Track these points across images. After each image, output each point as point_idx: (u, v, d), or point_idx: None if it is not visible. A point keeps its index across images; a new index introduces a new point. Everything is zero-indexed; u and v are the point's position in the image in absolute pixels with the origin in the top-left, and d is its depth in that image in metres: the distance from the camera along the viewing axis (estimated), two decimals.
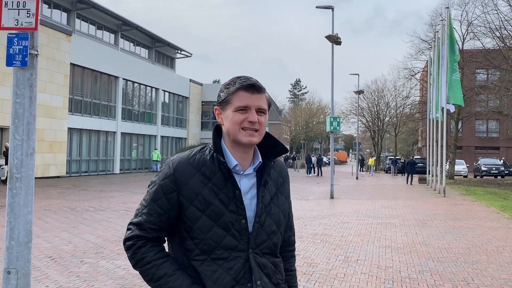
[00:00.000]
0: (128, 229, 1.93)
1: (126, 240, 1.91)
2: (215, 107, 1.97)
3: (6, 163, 20.51)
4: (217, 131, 1.98)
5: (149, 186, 1.95)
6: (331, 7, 20.26)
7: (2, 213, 12.11)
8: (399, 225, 12.00)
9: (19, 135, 3.89)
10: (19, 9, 3.78)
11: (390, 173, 46.94)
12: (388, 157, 56.53)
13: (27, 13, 3.77)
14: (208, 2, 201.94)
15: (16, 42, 3.77)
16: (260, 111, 1.90)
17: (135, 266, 1.90)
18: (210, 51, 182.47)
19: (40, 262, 7.23)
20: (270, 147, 2.01)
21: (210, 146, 1.96)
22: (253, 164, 1.97)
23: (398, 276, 6.93)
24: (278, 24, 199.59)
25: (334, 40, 19.95)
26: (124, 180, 27.53)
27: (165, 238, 1.98)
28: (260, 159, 1.97)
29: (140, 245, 1.88)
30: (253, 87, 1.89)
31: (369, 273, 7.12)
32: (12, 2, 3.79)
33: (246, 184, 1.94)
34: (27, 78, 3.86)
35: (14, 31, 3.80)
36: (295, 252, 2.23)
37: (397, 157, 50.65)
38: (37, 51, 3.85)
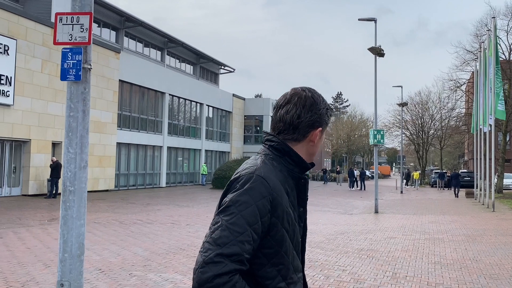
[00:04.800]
0: (216, 262, 1.53)
1: (216, 276, 1.51)
2: (319, 128, 1.81)
3: (51, 176, 21.04)
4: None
5: (229, 206, 1.63)
6: (374, 19, 20.04)
7: (54, 226, 12.40)
8: (448, 240, 11.62)
9: (72, 149, 3.92)
10: (73, 24, 3.82)
11: (436, 187, 45.68)
12: (434, 171, 55.01)
13: (81, 28, 3.81)
14: (248, 18, 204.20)
15: (70, 57, 3.81)
16: None
17: None
18: (252, 66, 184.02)
19: (90, 274, 7.33)
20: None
21: (268, 157, 1.77)
22: None
23: None
24: (317, 38, 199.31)
25: (377, 52, 19.69)
26: (170, 193, 27.84)
27: None
28: None
29: (236, 280, 1.55)
30: None
31: None
32: (66, 17, 3.84)
33: None
34: (80, 92, 3.87)
35: (68, 46, 3.84)
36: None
37: (443, 171, 49.29)
38: (90, 65, 3.87)
